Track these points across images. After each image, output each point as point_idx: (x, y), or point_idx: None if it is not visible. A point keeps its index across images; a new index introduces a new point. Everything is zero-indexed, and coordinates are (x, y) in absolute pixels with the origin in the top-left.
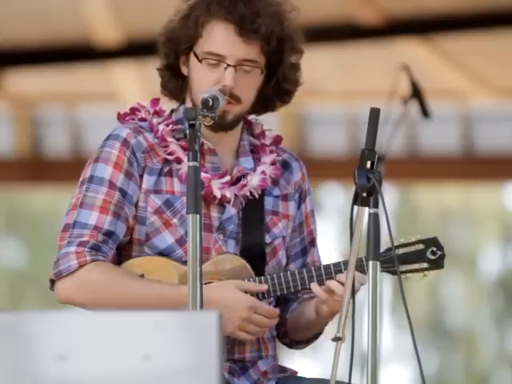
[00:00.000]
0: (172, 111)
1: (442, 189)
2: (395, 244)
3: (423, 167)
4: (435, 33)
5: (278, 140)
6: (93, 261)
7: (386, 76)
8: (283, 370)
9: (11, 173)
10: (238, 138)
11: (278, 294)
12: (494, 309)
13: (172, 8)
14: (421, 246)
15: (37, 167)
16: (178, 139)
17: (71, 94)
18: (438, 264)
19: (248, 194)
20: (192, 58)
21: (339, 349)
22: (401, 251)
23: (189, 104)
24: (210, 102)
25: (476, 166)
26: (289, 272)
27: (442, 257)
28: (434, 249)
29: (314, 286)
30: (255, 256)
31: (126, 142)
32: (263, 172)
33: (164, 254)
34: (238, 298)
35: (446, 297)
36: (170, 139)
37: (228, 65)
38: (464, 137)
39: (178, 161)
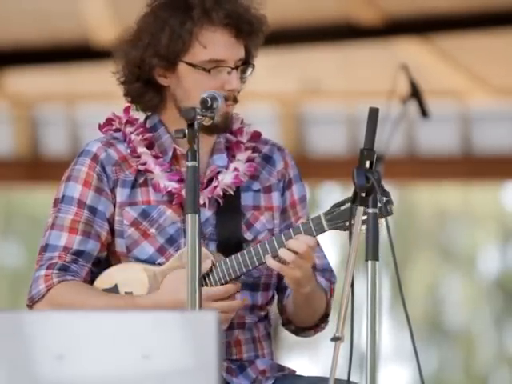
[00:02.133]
0: (146, 118)
1: (440, 188)
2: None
3: (422, 167)
4: (434, 33)
5: (255, 136)
6: (60, 282)
7: (385, 76)
8: (281, 368)
9: (10, 172)
10: (214, 135)
11: (238, 273)
12: (492, 309)
13: None
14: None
15: (36, 167)
16: (149, 148)
17: (71, 93)
18: (385, 210)
19: (221, 193)
20: (184, 68)
21: (338, 349)
22: (347, 206)
23: (167, 114)
24: (209, 102)
25: (475, 165)
26: (245, 250)
27: (389, 202)
28: (380, 196)
29: (268, 259)
30: (232, 251)
31: (95, 158)
32: (236, 169)
33: (146, 264)
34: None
35: (444, 297)
36: (141, 149)
37: (232, 68)
38: (463, 137)
39: (149, 172)
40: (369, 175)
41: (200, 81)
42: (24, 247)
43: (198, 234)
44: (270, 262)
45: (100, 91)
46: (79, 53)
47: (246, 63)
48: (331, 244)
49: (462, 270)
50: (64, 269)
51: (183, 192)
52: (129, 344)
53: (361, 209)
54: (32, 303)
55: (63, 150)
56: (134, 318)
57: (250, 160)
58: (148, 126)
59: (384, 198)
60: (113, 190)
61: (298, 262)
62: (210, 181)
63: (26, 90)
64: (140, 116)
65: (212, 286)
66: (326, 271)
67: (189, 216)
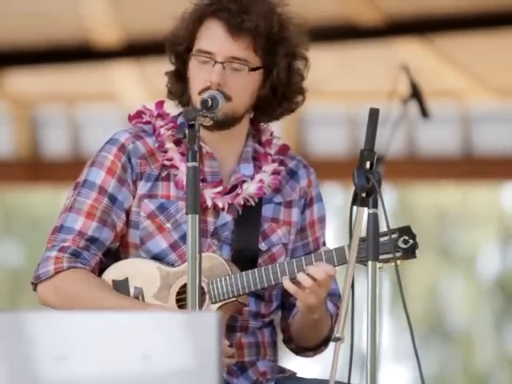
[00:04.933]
0: (179, 114)
1: (440, 189)
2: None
3: (422, 168)
4: (434, 33)
5: (284, 149)
6: (69, 267)
7: (386, 76)
8: (282, 370)
9: (10, 173)
10: (242, 143)
11: (253, 289)
12: (492, 309)
13: (171, 9)
14: (394, 236)
15: (36, 167)
16: (177, 144)
17: (71, 94)
18: (410, 253)
19: (242, 202)
20: (188, 59)
21: (338, 349)
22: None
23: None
24: (209, 103)
25: (475, 166)
26: (263, 268)
27: (414, 245)
28: (406, 237)
29: (285, 280)
30: (246, 261)
31: (122, 147)
32: (261, 180)
33: (157, 258)
34: None
35: (444, 297)
36: (169, 145)
37: (215, 61)
38: (463, 137)
39: (175, 167)
40: (369, 176)
41: (193, 71)
42: (23, 247)
43: (199, 235)
44: (287, 285)
45: (100, 91)
46: (79, 53)
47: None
48: (332, 244)
49: (462, 270)
50: (76, 254)
51: (204, 192)
52: (129, 344)
53: (361, 209)
54: (37, 281)
55: (63, 151)
56: (134, 318)
57: (275, 173)
58: (178, 122)
59: (411, 241)
60: (135, 182)
61: (314, 289)
62: (234, 188)
63: (26, 90)
64: (174, 112)
65: (224, 297)
66: (335, 296)
67: (189, 216)
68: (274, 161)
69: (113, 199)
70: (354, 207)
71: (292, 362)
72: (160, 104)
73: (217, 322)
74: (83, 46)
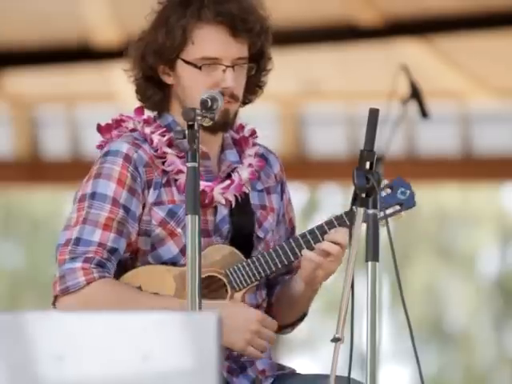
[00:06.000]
0: (155, 118)
1: (440, 189)
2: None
3: (422, 168)
4: (434, 33)
5: (254, 133)
6: (100, 277)
7: (385, 76)
8: (281, 368)
9: (10, 173)
10: (220, 134)
11: (274, 269)
12: (492, 309)
13: None
14: (388, 191)
15: (36, 168)
16: (171, 148)
17: (70, 94)
18: (410, 202)
19: (247, 190)
20: (181, 65)
21: (338, 349)
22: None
23: (177, 112)
24: (209, 103)
25: (475, 166)
26: (277, 246)
27: (412, 194)
28: (403, 189)
29: (306, 252)
30: (245, 249)
31: (127, 158)
32: (250, 165)
33: (167, 263)
34: (248, 311)
35: (444, 297)
36: (165, 149)
37: (226, 66)
38: (463, 137)
39: (180, 172)
40: (369, 176)
41: (195, 79)
42: (23, 248)
43: (198, 235)
44: (311, 256)
45: (100, 92)
46: (79, 54)
47: (254, 62)
48: None
49: (462, 270)
50: (101, 265)
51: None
52: (129, 344)
53: (361, 210)
54: (64, 294)
55: (63, 151)
56: (134, 318)
57: (257, 155)
58: (163, 124)
59: (408, 191)
60: (143, 191)
61: (339, 255)
62: (228, 177)
63: (25, 90)
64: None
65: (247, 283)
66: None
67: (189, 217)
68: (253, 144)
69: (126, 210)
70: (354, 207)
71: (291, 361)
72: (140, 110)
73: (217, 322)
74: (83, 46)
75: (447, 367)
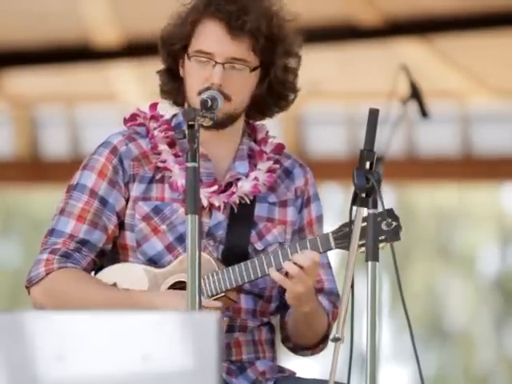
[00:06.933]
0: (173, 116)
1: (440, 189)
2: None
3: (422, 168)
4: (434, 33)
5: (279, 148)
6: (60, 268)
7: (385, 76)
8: (281, 370)
9: (10, 173)
10: (237, 142)
11: (240, 282)
12: (492, 309)
13: (171, 8)
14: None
15: (35, 168)
16: (170, 146)
17: (70, 94)
18: (394, 235)
19: (237, 201)
20: (185, 58)
21: (338, 349)
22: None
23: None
24: (209, 103)
25: (474, 166)
26: (249, 260)
27: (398, 227)
28: (389, 220)
29: (272, 271)
30: (239, 259)
31: (114, 150)
32: (256, 178)
33: (153, 260)
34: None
35: (444, 297)
36: (162, 147)
37: (216, 62)
38: (462, 137)
39: (167, 170)
40: (369, 176)
41: (191, 72)
42: (23, 248)
43: (199, 235)
44: (274, 275)
45: (100, 92)
46: (79, 53)
47: (264, 70)
48: None
49: (462, 270)
50: (66, 256)
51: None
52: (129, 344)
53: (361, 209)
54: (29, 285)
55: (63, 151)
56: (134, 318)
57: (270, 171)
58: (173, 124)
59: (393, 223)
60: (127, 185)
61: (301, 277)
62: (229, 186)
63: (25, 90)
64: (168, 114)
65: (213, 292)
66: (332, 295)
67: (189, 217)
68: (269, 159)
69: (104, 202)
70: (354, 207)
71: (291, 362)
72: (154, 106)
73: (216, 322)
74: (83, 46)
75: (447, 367)
